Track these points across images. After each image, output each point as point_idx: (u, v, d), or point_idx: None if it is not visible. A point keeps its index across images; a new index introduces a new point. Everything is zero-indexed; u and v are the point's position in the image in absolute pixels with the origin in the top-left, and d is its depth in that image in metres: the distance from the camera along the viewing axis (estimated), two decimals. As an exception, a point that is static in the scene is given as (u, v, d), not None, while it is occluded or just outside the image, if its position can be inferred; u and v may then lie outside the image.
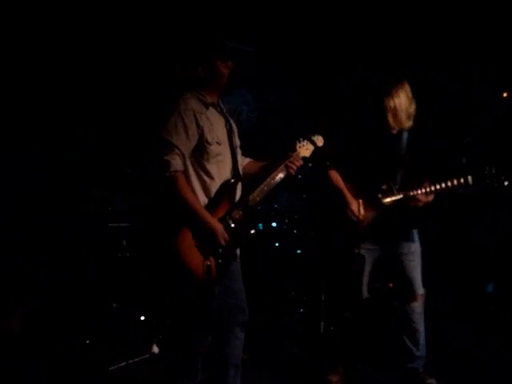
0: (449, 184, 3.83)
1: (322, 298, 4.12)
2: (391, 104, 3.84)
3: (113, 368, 4.30)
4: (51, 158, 4.87)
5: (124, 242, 4.84)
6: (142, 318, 4.77)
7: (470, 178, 3.80)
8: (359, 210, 3.88)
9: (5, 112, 4.73)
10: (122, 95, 4.99)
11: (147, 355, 4.49)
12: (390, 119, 3.85)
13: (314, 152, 3.53)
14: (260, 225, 5.47)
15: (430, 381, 4.02)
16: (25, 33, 4.75)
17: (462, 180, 3.81)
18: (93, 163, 4.93)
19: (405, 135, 4.00)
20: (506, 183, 3.76)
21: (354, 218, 3.90)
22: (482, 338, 4.86)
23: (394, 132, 3.97)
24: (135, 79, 4.97)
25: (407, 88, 3.90)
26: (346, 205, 3.96)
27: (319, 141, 3.57)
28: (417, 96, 3.89)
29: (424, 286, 4.07)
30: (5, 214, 4.67)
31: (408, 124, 3.91)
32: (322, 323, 4.24)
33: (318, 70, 5.77)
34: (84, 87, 4.97)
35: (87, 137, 4.96)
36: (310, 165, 3.61)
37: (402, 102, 3.85)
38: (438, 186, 3.85)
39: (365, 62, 5.50)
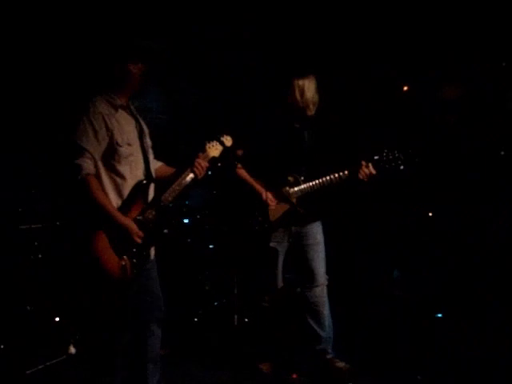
0: (356, 170, 4.07)
1: (235, 291, 4.26)
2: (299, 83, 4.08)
3: (30, 371, 4.25)
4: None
5: (35, 243, 4.79)
6: (57, 319, 4.75)
7: (370, 164, 4.07)
8: (270, 197, 4.09)
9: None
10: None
11: (64, 356, 4.47)
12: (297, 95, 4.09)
13: (223, 152, 3.67)
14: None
15: (339, 364, 4.24)
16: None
17: (364, 166, 4.06)
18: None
19: (306, 133, 4.23)
20: (401, 167, 4.05)
21: (267, 203, 4.07)
22: (391, 322, 5.13)
23: (297, 126, 4.18)
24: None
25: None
26: (257, 194, 4.12)
27: (228, 141, 3.70)
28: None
29: (330, 273, 4.31)
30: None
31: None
32: (236, 316, 4.38)
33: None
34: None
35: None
36: (219, 164, 3.73)
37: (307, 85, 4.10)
38: (341, 174, 4.09)
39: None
